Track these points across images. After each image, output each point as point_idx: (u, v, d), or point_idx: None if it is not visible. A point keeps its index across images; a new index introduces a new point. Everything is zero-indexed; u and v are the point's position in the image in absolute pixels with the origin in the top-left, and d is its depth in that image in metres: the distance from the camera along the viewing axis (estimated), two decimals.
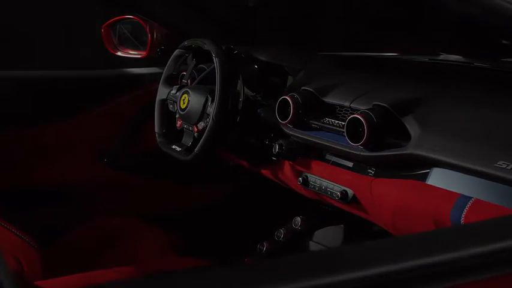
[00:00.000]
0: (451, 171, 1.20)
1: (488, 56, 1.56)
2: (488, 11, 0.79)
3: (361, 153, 1.32)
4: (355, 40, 1.73)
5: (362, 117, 1.26)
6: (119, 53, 1.98)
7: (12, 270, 0.52)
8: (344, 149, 1.37)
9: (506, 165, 1.08)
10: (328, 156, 1.48)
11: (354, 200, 1.40)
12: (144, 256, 1.64)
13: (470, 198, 1.14)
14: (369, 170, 1.38)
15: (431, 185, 1.23)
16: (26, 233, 1.33)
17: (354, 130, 1.29)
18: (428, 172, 1.25)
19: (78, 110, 1.94)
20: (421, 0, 0.81)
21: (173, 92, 1.69)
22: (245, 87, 1.60)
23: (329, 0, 1.57)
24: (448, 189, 1.20)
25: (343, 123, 1.35)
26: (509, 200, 1.11)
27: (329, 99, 1.45)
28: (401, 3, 0.90)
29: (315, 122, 1.46)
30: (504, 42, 0.85)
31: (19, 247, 1.30)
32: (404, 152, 1.25)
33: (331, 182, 1.45)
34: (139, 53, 1.96)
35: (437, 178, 1.23)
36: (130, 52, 1.98)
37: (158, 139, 1.69)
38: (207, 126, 1.53)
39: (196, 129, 1.58)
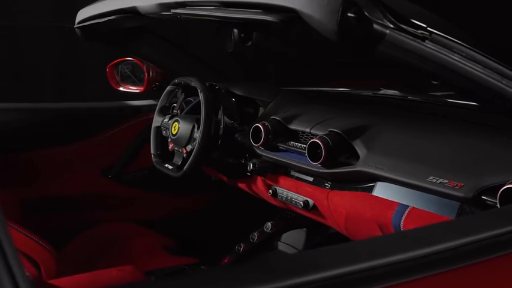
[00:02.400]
0: (392, 184, 1.20)
1: (419, 90, 1.59)
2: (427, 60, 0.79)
3: (320, 170, 1.31)
4: (311, 77, 1.73)
5: (320, 141, 1.26)
6: (121, 89, 1.95)
7: (29, 273, 0.49)
8: (305, 166, 1.36)
9: (436, 180, 1.09)
10: (292, 173, 1.47)
11: (314, 208, 1.39)
12: (141, 255, 1.60)
13: (408, 206, 1.15)
14: (325, 184, 1.37)
15: (376, 196, 1.23)
16: (41, 238, 1.28)
17: (313, 151, 1.28)
18: (373, 185, 1.25)
19: (88, 134, 1.91)
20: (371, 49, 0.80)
21: (166, 120, 1.66)
22: (225, 116, 1.58)
23: (290, 46, 1.57)
24: (389, 199, 1.20)
25: (304, 145, 1.34)
26: (439, 207, 1.11)
27: (293, 126, 1.44)
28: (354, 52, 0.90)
29: (282, 145, 1.45)
30: (433, 82, 0.86)
31: (36, 250, 1.25)
32: (354, 169, 1.25)
33: (295, 194, 1.43)
34: (138, 88, 1.93)
35: (381, 190, 1.23)
36: (130, 88, 1.95)
37: (153, 159, 1.66)
38: (194, 148, 1.51)
39: (185, 151, 1.56)
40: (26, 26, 2.23)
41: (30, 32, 2.26)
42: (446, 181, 1.07)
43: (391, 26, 0.77)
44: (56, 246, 1.55)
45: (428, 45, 0.79)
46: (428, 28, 0.79)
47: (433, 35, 0.79)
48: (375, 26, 0.76)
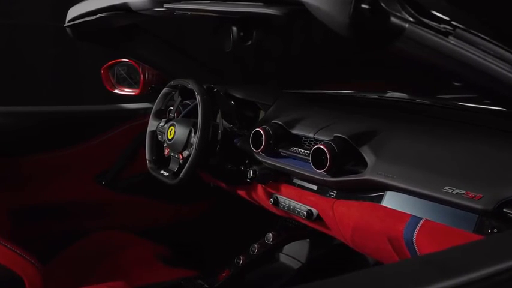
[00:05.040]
0: (403, 194, 1.10)
1: (427, 93, 1.49)
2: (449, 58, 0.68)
3: (324, 178, 1.21)
4: (315, 79, 1.64)
5: (325, 147, 1.16)
6: (116, 91, 1.86)
7: None
8: (309, 174, 1.26)
9: (452, 190, 0.99)
10: (295, 180, 1.38)
11: (318, 218, 1.30)
12: (135, 267, 1.50)
13: (421, 218, 1.05)
14: (331, 193, 1.27)
15: (385, 207, 1.13)
16: (27, 251, 1.18)
17: (317, 158, 1.19)
18: (382, 195, 1.15)
19: (80, 139, 1.81)
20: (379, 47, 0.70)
21: (162, 124, 1.57)
22: (223, 120, 1.49)
23: (292, 46, 1.48)
24: (400, 210, 1.10)
25: (308, 151, 1.25)
26: (455, 220, 1.01)
27: (296, 131, 1.34)
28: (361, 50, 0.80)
29: (284, 151, 1.35)
30: (456, 84, 0.76)
31: (21, 265, 1.15)
32: (362, 177, 1.15)
33: (298, 203, 1.34)
34: (133, 90, 1.84)
35: (391, 200, 1.13)
36: (126, 90, 1.86)
37: (149, 165, 1.57)
38: (190, 154, 1.42)
39: (181, 157, 1.47)
40: (20, 25, 2.14)
41: (27, 31, 2.17)
42: (463, 192, 0.97)
43: (411, 19, 0.67)
44: (46, 257, 1.46)
45: (452, 42, 0.69)
46: (452, 22, 0.68)
47: (457, 29, 0.69)
48: (393, 19, 0.66)
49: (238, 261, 1.51)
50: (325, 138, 1.23)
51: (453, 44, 0.69)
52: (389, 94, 1.55)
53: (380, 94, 1.54)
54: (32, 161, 1.73)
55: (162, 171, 1.51)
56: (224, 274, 1.49)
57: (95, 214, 1.79)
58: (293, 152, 1.33)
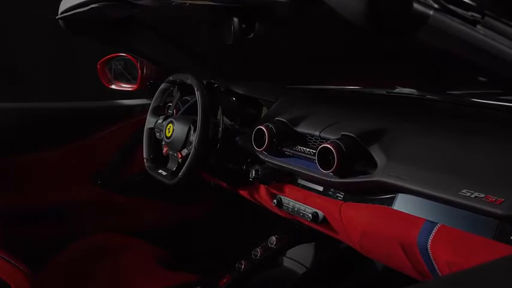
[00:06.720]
0: (415, 197, 1.03)
1: (437, 88, 1.42)
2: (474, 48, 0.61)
3: (331, 179, 1.14)
4: (320, 74, 1.57)
5: (332, 146, 1.09)
6: (113, 86, 1.79)
7: None
8: (315, 175, 1.19)
9: (470, 194, 0.91)
10: (300, 181, 1.30)
11: (324, 221, 1.22)
12: (133, 271, 1.43)
13: (436, 223, 0.97)
14: (337, 194, 1.20)
15: (397, 210, 1.05)
16: (16, 258, 1.11)
17: (324, 158, 1.11)
18: (393, 197, 1.07)
19: (75, 136, 1.74)
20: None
21: (160, 121, 1.51)
22: (224, 117, 1.42)
23: (297, 39, 1.40)
24: (413, 214, 1.02)
25: (313, 151, 1.18)
26: (473, 226, 0.94)
27: (300, 129, 1.27)
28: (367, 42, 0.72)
29: (288, 150, 1.28)
30: (481, 79, 0.69)
31: (9, 272, 1.08)
32: (372, 179, 1.07)
33: (303, 204, 1.27)
34: (131, 86, 1.78)
35: (403, 203, 1.06)
36: (123, 85, 1.79)
37: (146, 164, 1.51)
38: (189, 153, 1.35)
39: (180, 156, 1.41)
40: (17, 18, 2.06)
41: (24, 25, 2.09)
42: (482, 195, 0.90)
43: (436, 6, 0.59)
44: (40, 261, 1.39)
45: (480, 32, 0.61)
46: (481, 9, 0.61)
47: (486, 18, 0.61)
48: (416, 5, 0.58)
49: (239, 266, 1.44)
50: (331, 137, 1.15)
51: (481, 34, 0.61)
52: (398, 90, 1.48)
53: (388, 90, 1.47)
54: (26, 160, 1.67)
55: (160, 171, 1.45)
56: (225, 280, 1.42)
57: (91, 215, 1.72)
58: (297, 151, 1.25)
